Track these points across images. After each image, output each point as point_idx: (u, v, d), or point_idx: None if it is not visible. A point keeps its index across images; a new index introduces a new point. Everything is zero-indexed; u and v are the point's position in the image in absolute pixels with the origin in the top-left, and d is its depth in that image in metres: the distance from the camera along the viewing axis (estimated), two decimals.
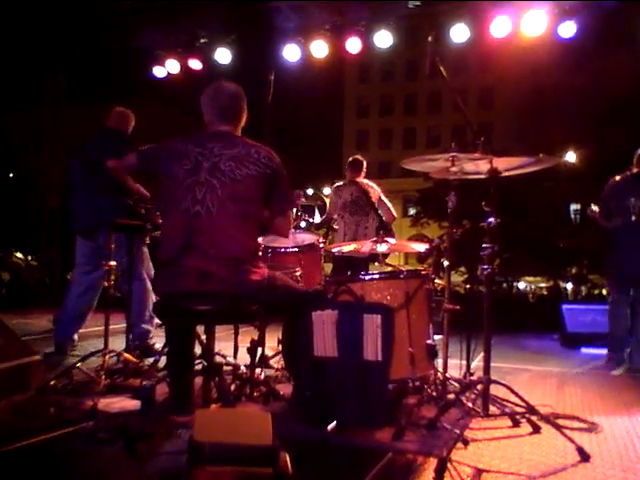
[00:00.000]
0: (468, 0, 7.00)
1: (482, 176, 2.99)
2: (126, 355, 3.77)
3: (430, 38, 3.58)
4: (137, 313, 4.41)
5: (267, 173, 2.62)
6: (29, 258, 15.21)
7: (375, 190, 5.90)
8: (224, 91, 2.82)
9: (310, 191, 6.64)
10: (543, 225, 22.39)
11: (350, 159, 6.10)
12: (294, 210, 4.12)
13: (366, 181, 5.94)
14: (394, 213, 5.99)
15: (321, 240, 4.19)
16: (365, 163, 6.04)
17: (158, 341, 4.40)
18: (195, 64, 8.08)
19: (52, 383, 3.25)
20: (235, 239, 2.53)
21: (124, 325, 4.06)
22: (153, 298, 4.35)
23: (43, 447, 2.38)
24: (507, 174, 3.01)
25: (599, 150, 20.55)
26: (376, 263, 4.15)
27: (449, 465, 2.23)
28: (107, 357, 3.52)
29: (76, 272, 4.67)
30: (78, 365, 3.49)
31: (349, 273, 3.63)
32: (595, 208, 5.10)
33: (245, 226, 2.58)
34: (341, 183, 5.97)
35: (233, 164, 2.58)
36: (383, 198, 5.92)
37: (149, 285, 4.45)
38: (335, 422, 2.54)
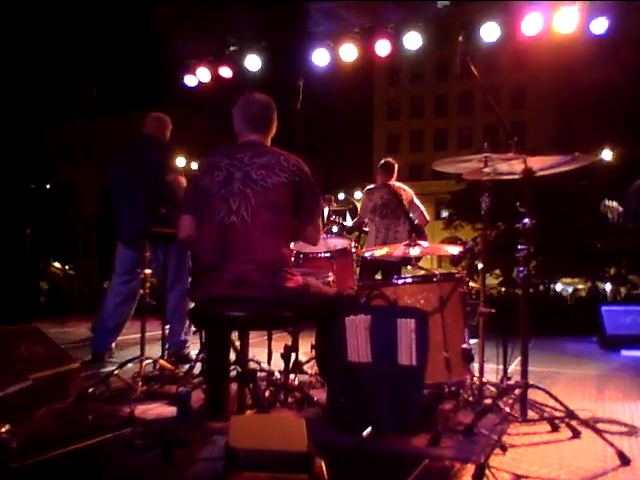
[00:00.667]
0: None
1: (516, 176, 2.94)
2: (162, 362, 3.81)
3: (460, 38, 3.55)
4: (177, 322, 4.46)
5: (296, 181, 2.65)
6: (67, 267, 15.54)
7: (407, 193, 5.86)
8: (255, 102, 2.86)
9: (341, 195, 6.65)
10: (580, 225, 21.95)
11: (381, 162, 6.08)
12: (324, 218, 4.13)
13: (398, 184, 5.91)
14: (427, 216, 5.94)
15: (353, 244, 4.18)
16: (397, 166, 6.01)
17: (192, 348, 4.45)
18: (226, 72, 8.15)
19: (90, 390, 3.30)
20: (270, 246, 2.58)
21: (160, 332, 4.11)
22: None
23: (82, 454, 2.42)
24: (542, 174, 2.96)
25: (635, 147, 20.08)
26: (409, 267, 4.13)
27: (487, 471, 2.19)
28: (144, 364, 3.56)
29: (114, 281, 4.68)
30: (115, 372, 3.54)
31: (379, 277, 3.61)
32: (610, 203, 4.95)
33: (279, 233, 2.62)
34: (372, 186, 5.95)
35: (264, 172, 2.62)
36: (416, 201, 5.88)
37: None
38: (370, 428, 2.52)
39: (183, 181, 4.33)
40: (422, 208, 5.90)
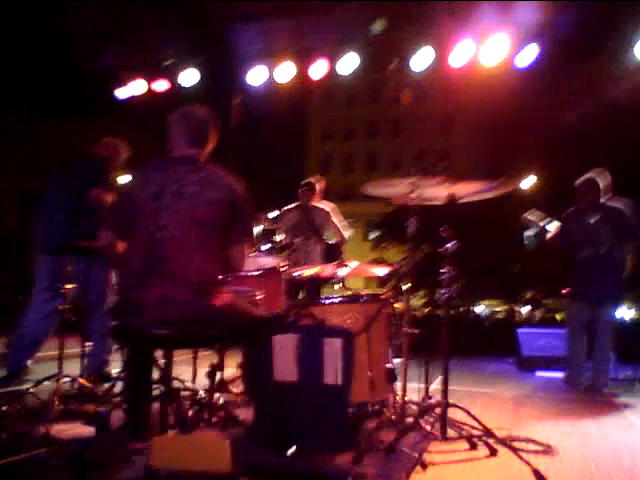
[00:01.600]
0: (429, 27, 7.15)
1: (441, 202, 3.05)
2: (81, 380, 3.69)
3: (391, 66, 3.66)
4: (99, 340, 4.32)
5: (231, 200, 2.60)
6: None
7: (323, 211, 5.89)
8: (195, 116, 2.80)
9: (274, 214, 6.64)
10: (498, 250, 22.85)
11: (303, 182, 6.12)
12: (253, 237, 4.13)
13: (318, 203, 5.95)
14: (344, 235, 5.99)
15: (283, 264, 4.20)
16: (319, 185, 6.05)
17: (114, 366, 4.31)
18: (161, 85, 8.04)
19: (4, 409, 3.16)
20: (198, 264, 2.52)
21: (79, 350, 3.97)
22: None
23: None
24: (464, 200, 3.08)
25: (552, 178, 21.16)
26: (335, 287, 4.18)
27: None
28: (61, 382, 3.43)
29: (37, 297, 4.47)
30: (31, 390, 3.40)
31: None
32: (531, 216, 5.22)
33: (208, 250, 2.56)
34: (287, 207, 5.98)
35: (198, 188, 2.56)
36: (333, 219, 5.92)
37: None
38: (295, 447, 2.52)
39: (107, 198, 4.27)
40: (339, 226, 5.94)
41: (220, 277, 2.68)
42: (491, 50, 6.74)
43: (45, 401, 3.31)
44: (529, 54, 6.73)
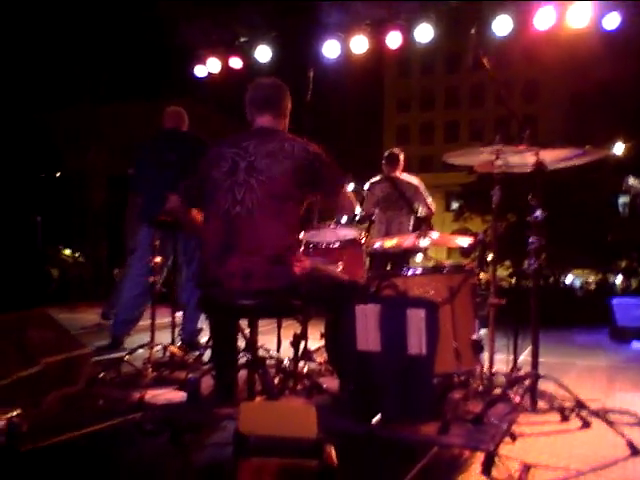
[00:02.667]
0: None
1: (528, 169, 2.92)
2: (172, 348, 3.83)
3: (472, 31, 3.52)
4: (192, 310, 4.45)
5: (304, 164, 2.63)
6: (76, 255, 15.61)
7: (412, 184, 5.82)
8: (261, 83, 2.87)
9: (351, 186, 6.60)
10: (591, 218, 21.82)
11: (386, 153, 6.04)
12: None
13: (405, 175, 5.88)
14: (432, 207, 5.91)
15: (363, 235, 4.17)
16: (402, 156, 5.97)
17: (203, 335, 4.46)
18: (236, 63, 8.12)
19: (100, 376, 3.33)
20: (275, 236, 2.57)
21: (170, 320, 4.13)
22: None
23: (92, 438, 2.43)
24: (553, 167, 2.94)
25: None
26: (417, 259, 4.12)
27: (496, 460, 2.19)
28: (154, 350, 3.58)
29: (135, 266, 4.58)
30: (126, 358, 3.57)
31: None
32: (635, 182, 4.93)
33: (284, 222, 2.60)
34: (375, 179, 5.93)
35: (269, 161, 2.60)
36: (422, 191, 5.84)
37: None
38: (380, 416, 2.52)
39: None
40: (428, 200, 5.86)
41: (299, 247, 2.71)
42: (577, 12, 6.39)
43: (139, 368, 3.47)
44: (616, 17, 6.34)
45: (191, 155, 4.47)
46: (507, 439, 2.40)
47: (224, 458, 2.05)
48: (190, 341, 4.41)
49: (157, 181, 4.52)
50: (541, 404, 2.83)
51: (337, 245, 3.92)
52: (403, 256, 5.15)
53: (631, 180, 4.93)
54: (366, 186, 6.02)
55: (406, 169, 6.04)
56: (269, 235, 2.55)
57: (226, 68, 8.23)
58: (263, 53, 7.95)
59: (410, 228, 5.65)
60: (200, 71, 8.34)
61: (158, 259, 3.77)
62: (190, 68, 8.37)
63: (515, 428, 2.58)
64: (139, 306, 4.56)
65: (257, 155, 2.62)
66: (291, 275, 2.56)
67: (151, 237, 4.51)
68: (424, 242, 3.66)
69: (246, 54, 8.11)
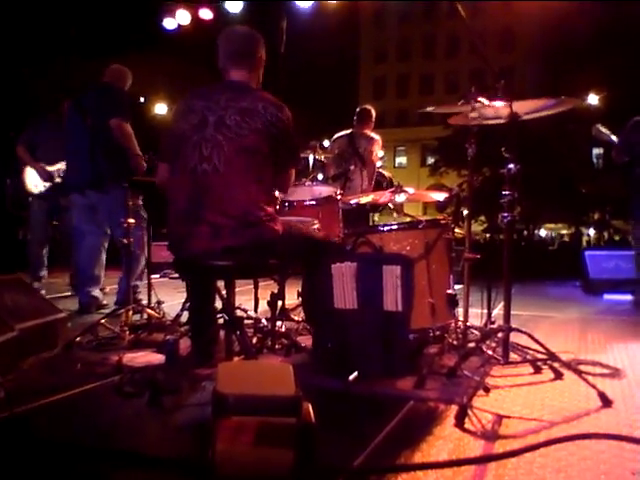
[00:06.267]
0: None
1: (502, 121, 2.90)
2: (149, 310, 3.82)
3: None
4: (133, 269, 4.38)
5: (272, 132, 2.55)
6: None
7: (370, 146, 5.69)
8: (235, 34, 2.77)
9: (326, 142, 6.52)
10: (565, 170, 21.99)
11: (357, 109, 5.94)
12: (308, 165, 4.09)
13: (369, 133, 5.77)
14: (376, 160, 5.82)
15: (338, 192, 4.15)
16: (373, 112, 5.87)
17: (179, 297, 4.45)
18: (205, 14, 7.89)
19: (77, 340, 3.31)
20: (245, 194, 2.50)
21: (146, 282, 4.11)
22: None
23: (71, 402, 2.43)
24: (527, 117, 2.93)
25: (623, 93, 19.97)
26: (394, 214, 4.12)
27: (470, 412, 2.24)
28: (130, 313, 3.57)
29: (77, 233, 4.64)
30: (102, 321, 3.55)
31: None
32: (603, 129, 4.96)
33: (254, 180, 2.53)
34: (337, 135, 5.84)
35: (239, 118, 2.52)
36: (373, 157, 5.70)
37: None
38: (356, 372, 2.55)
39: (127, 127, 4.29)
40: (377, 165, 5.78)
41: (273, 206, 2.67)
42: None
43: (116, 331, 3.46)
44: None
45: (104, 103, 4.38)
46: (480, 391, 2.46)
47: (203, 418, 2.06)
48: (122, 301, 4.36)
49: (79, 146, 4.42)
50: (514, 356, 2.89)
51: (313, 203, 3.90)
52: (364, 213, 5.13)
53: (600, 126, 4.92)
54: (326, 143, 5.92)
55: (383, 123, 5.96)
56: (237, 192, 2.48)
57: (196, 20, 8.00)
58: (234, 4, 7.72)
59: (363, 186, 5.57)
60: (170, 23, 8.09)
61: (131, 220, 3.72)
62: (159, 21, 8.11)
63: (488, 380, 2.64)
64: (93, 265, 4.58)
65: (228, 110, 2.54)
66: (262, 233, 2.51)
67: (81, 202, 4.49)
68: (400, 198, 3.66)
69: (216, 5, 7.87)
